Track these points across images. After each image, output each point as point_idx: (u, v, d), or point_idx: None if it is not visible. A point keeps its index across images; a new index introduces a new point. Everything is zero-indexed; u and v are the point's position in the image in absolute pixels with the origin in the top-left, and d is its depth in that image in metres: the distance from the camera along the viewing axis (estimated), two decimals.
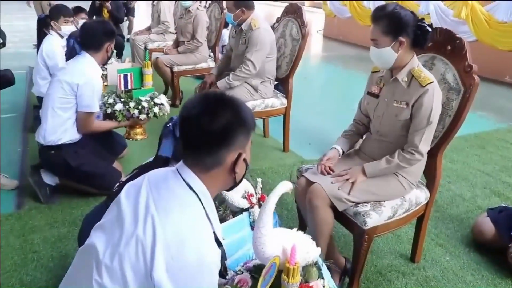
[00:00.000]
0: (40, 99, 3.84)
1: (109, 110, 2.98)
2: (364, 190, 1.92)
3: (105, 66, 3.00)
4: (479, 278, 2.20)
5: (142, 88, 3.17)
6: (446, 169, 3.40)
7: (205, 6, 4.84)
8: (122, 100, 3.03)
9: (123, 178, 2.17)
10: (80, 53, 2.65)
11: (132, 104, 3.01)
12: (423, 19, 1.88)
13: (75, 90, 2.54)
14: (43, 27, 3.78)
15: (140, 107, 3.03)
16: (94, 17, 5.05)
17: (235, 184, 1.25)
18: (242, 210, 1.81)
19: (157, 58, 4.56)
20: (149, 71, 3.17)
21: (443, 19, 7.03)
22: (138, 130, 3.23)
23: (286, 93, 3.52)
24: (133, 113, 3.00)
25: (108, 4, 6.21)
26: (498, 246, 2.33)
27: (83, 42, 2.64)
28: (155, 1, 5.81)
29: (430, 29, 1.85)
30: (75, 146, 2.65)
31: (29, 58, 6.12)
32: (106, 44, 2.65)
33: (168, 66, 4.47)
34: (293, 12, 3.46)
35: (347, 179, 1.93)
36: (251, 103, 3.33)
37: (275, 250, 1.37)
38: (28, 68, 5.90)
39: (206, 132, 1.10)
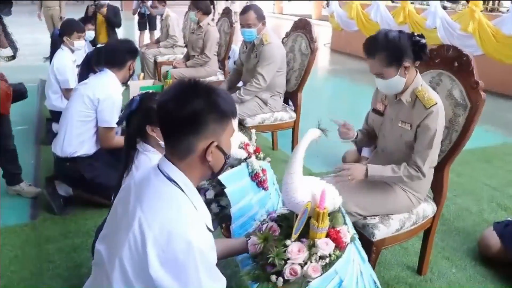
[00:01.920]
0: (52, 112, 3.94)
1: None
2: (373, 203, 1.97)
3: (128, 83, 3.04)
4: None
5: None
6: (453, 183, 3.42)
7: (212, 19, 4.93)
8: None
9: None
10: (103, 70, 2.72)
11: None
12: (413, 33, 1.88)
13: (95, 105, 2.63)
14: (57, 42, 3.88)
15: None
16: (90, 24, 4.99)
17: (214, 173, 1.27)
18: (240, 162, 1.85)
19: (167, 71, 4.65)
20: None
21: (450, 33, 7.09)
22: None
23: (295, 107, 3.58)
24: None
25: (103, 10, 6.17)
26: (504, 260, 2.35)
27: (107, 59, 2.69)
28: (164, 16, 5.95)
29: (424, 40, 1.85)
30: (89, 158, 2.72)
31: (40, 71, 6.24)
32: (129, 62, 2.69)
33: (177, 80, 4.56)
34: (302, 27, 3.55)
35: (348, 176, 1.90)
36: (261, 116, 3.41)
37: (305, 196, 1.41)
38: (39, 80, 6.02)
39: (174, 118, 1.13)
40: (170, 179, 1.18)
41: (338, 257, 1.38)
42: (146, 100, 1.79)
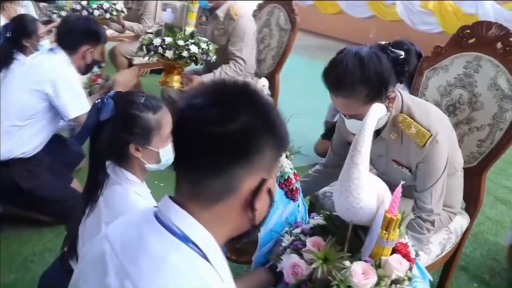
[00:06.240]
0: None
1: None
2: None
3: None
4: None
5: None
6: None
7: None
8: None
9: None
10: (53, 49, 2.10)
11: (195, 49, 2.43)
12: (389, 44, 1.33)
13: (46, 93, 2.01)
14: None
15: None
16: None
17: (254, 228, 0.81)
18: None
19: (114, 46, 3.95)
20: (195, 8, 2.60)
21: (410, 9, 6.87)
22: (176, 77, 2.63)
23: (272, 91, 3.08)
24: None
25: None
26: None
27: (59, 37, 2.12)
28: None
29: (402, 53, 1.32)
30: (28, 163, 2.07)
31: None
32: (84, 47, 2.11)
33: (126, 58, 3.87)
34: None
35: None
36: None
37: (371, 197, 1.05)
38: None
39: (216, 134, 0.69)
40: (185, 239, 0.71)
41: (410, 279, 1.05)
42: (125, 105, 1.21)
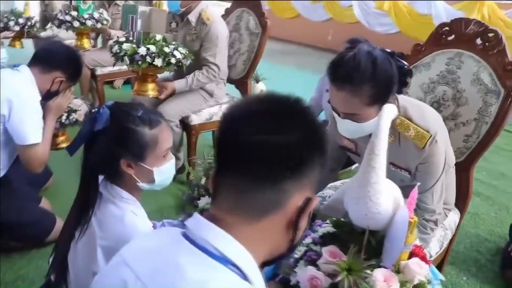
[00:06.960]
0: None
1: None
2: None
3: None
4: None
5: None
6: None
7: None
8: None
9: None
10: (17, 66, 1.89)
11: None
12: (393, 52, 1.38)
13: (3, 114, 1.79)
14: None
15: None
16: None
17: (291, 249, 0.75)
18: None
19: None
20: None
21: (366, 11, 7.03)
22: (150, 85, 2.48)
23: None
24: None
25: None
26: None
27: (37, 53, 1.95)
28: None
29: (406, 65, 1.33)
30: None
31: None
32: (58, 72, 1.93)
33: (89, 68, 3.68)
34: (246, 2, 2.98)
35: None
36: (208, 111, 2.81)
37: (389, 201, 1.01)
38: None
39: (272, 143, 0.65)
40: (224, 260, 0.65)
41: (429, 282, 1.05)
42: (120, 116, 1.11)
